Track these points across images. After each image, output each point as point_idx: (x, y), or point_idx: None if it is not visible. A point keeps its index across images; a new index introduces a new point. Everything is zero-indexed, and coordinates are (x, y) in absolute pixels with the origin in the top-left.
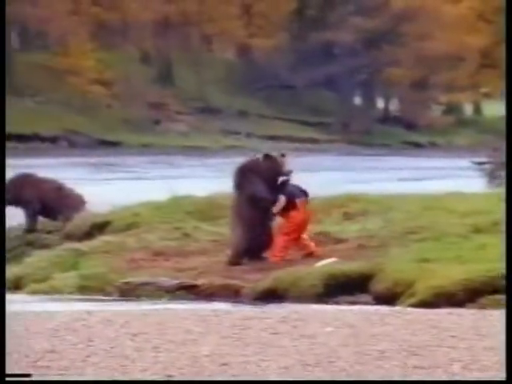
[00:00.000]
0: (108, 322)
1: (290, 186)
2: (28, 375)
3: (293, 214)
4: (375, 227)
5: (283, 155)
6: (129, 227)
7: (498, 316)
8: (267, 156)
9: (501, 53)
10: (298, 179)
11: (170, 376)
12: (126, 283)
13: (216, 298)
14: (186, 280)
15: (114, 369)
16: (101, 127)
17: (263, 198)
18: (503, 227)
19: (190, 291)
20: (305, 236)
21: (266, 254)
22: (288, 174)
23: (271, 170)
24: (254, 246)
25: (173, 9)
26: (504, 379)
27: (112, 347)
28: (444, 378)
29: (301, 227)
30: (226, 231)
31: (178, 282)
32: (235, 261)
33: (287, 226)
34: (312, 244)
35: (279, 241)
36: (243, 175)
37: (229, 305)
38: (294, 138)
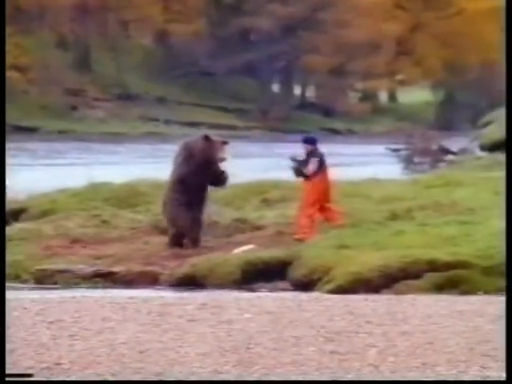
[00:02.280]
0: (24, 310)
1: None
2: (28, 375)
3: (316, 181)
4: (294, 214)
5: (225, 142)
6: (45, 214)
7: (413, 301)
8: (206, 138)
9: (416, 40)
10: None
11: (88, 364)
12: (42, 270)
13: (134, 285)
14: (104, 267)
15: (30, 357)
16: (17, 113)
17: (187, 176)
18: (416, 214)
19: (108, 278)
20: (331, 206)
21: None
22: (221, 160)
23: (206, 152)
24: (188, 227)
25: None
26: (504, 379)
27: (28, 335)
28: (359, 363)
29: (325, 195)
30: (145, 218)
31: (95, 269)
32: (172, 245)
33: (311, 195)
34: (340, 214)
35: (303, 215)
36: (180, 154)
37: (147, 292)
38: (213, 125)
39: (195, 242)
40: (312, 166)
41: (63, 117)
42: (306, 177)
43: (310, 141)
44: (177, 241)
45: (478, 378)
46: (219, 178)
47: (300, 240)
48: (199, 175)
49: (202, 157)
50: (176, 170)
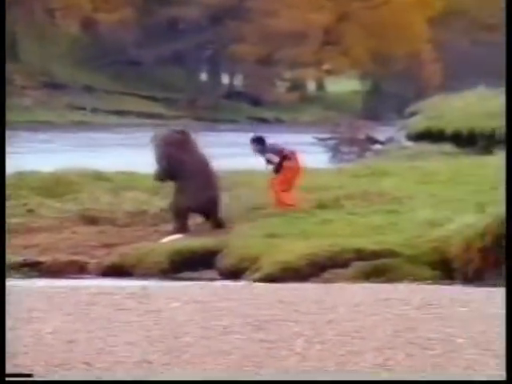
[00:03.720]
0: None
1: (269, 145)
2: (28, 375)
3: (287, 166)
4: (222, 203)
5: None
6: None
7: (340, 290)
8: (181, 132)
9: (343, 30)
10: (141, 154)
11: (15, 354)
12: None
13: (61, 275)
14: (31, 257)
15: None
16: None
17: (164, 170)
18: (343, 203)
19: (35, 268)
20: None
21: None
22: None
23: (179, 144)
24: (185, 208)
25: None
26: (504, 379)
27: None
28: (287, 353)
29: (294, 179)
30: (72, 207)
31: (21, 258)
32: (178, 227)
33: (282, 180)
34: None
35: (280, 192)
36: (157, 147)
37: (74, 281)
38: (141, 113)
39: (214, 221)
40: (274, 158)
41: None
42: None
43: (257, 140)
44: (181, 226)
45: (405, 366)
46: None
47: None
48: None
49: (178, 150)
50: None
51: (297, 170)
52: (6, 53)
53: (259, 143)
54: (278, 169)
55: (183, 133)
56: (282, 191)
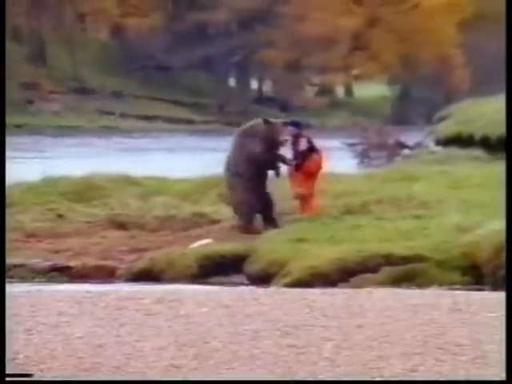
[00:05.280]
0: None
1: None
2: (28, 375)
3: (311, 161)
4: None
5: (284, 124)
6: None
7: (369, 295)
8: (266, 121)
9: (371, 35)
10: (172, 159)
11: (44, 359)
12: None
13: (91, 280)
14: (60, 261)
15: None
16: None
17: (264, 156)
18: (372, 208)
19: (64, 273)
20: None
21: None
22: (285, 142)
23: (271, 135)
24: (258, 205)
25: None
26: (504, 379)
27: None
28: (316, 357)
29: (315, 175)
30: (101, 212)
31: (50, 263)
32: (246, 224)
33: (303, 175)
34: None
35: (304, 190)
36: (245, 137)
37: (103, 286)
38: (169, 119)
39: (271, 221)
40: (303, 145)
41: (19, 110)
42: (291, 164)
43: (294, 124)
44: (249, 223)
45: (434, 371)
46: (284, 160)
47: (312, 214)
48: (272, 156)
49: (271, 139)
50: (249, 154)
51: (319, 167)
52: (34, 58)
53: (296, 126)
54: (303, 159)
55: (268, 123)
56: (303, 188)
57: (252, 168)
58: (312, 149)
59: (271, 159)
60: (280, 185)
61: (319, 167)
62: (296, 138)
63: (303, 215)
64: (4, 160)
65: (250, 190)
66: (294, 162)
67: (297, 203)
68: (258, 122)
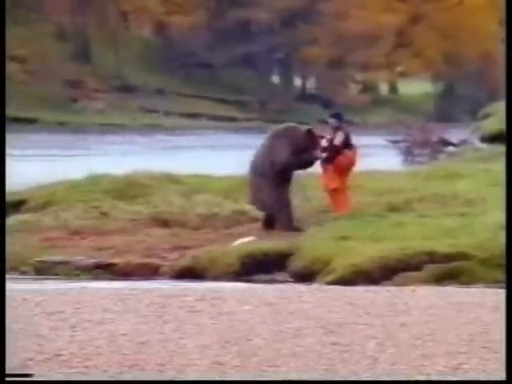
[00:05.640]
0: (23, 301)
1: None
2: (28, 375)
3: (344, 156)
4: (294, 205)
5: (322, 137)
6: (45, 206)
7: (413, 293)
8: (309, 131)
9: (415, 32)
10: (214, 157)
11: (88, 355)
12: (42, 262)
13: (134, 277)
14: (104, 259)
15: (29, 348)
16: (16, 104)
17: (288, 163)
18: (415, 205)
19: (108, 270)
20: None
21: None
22: (320, 155)
23: (306, 145)
24: (288, 204)
25: None
26: (504, 379)
27: (28, 326)
28: (359, 356)
29: (346, 172)
30: (144, 210)
31: (94, 260)
32: (288, 223)
33: (335, 170)
34: (349, 203)
35: (337, 190)
36: (275, 138)
37: (147, 283)
38: (212, 116)
39: (289, 224)
40: (339, 139)
41: (63, 108)
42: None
43: (336, 116)
44: (269, 224)
45: (479, 370)
46: (307, 160)
47: (342, 213)
48: (296, 161)
49: (304, 145)
50: (275, 156)
51: (352, 163)
52: (78, 56)
53: (338, 118)
54: (335, 155)
55: (309, 132)
56: (332, 182)
57: (278, 169)
58: (347, 144)
59: (295, 167)
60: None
61: (351, 164)
62: (334, 131)
63: (336, 213)
64: (4, 160)
65: (276, 189)
66: (323, 155)
67: (329, 200)
68: (291, 125)
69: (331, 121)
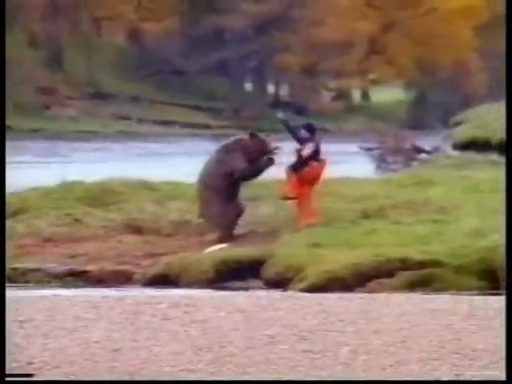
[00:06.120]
0: None
1: (315, 139)
2: (29, 375)
3: (313, 166)
4: (266, 212)
5: (267, 135)
6: (17, 213)
7: (386, 300)
8: (253, 135)
9: (388, 39)
10: (186, 164)
11: (60, 363)
12: (14, 269)
13: (107, 284)
14: (76, 266)
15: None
16: None
17: (247, 170)
18: (388, 212)
19: (80, 277)
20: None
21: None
22: (275, 150)
23: (258, 147)
24: (234, 217)
25: None
26: (504, 379)
27: None
28: (332, 362)
29: (311, 185)
30: (118, 217)
31: (67, 267)
32: (228, 236)
33: (299, 180)
34: (314, 213)
35: (305, 200)
36: (226, 152)
37: (120, 291)
38: (186, 124)
39: (229, 237)
40: (307, 151)
41: (35, 115)
42: (300, 140)
43: (308, 127)
44: (229, 235)
45: (450, 377)
46: (265, 164)
47: (310, 224)
48: (254, 168)
49: (257, 151)
50: (230, 168)
51: (317, 177)
52: (51, 63)
53: (310, 131)
54: (302, 165)
55: (255, 137)
56: (293, 191)
57: (230, 182)
58: (315, 156)
59: (254, 173)
60: None
61: (317, 176)
62: (305, 142)
63: (301, 223)
64: (4, 160)
65: (227, 202)
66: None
67: (294, 210)
68: (239, 137)
69: (303, 132)
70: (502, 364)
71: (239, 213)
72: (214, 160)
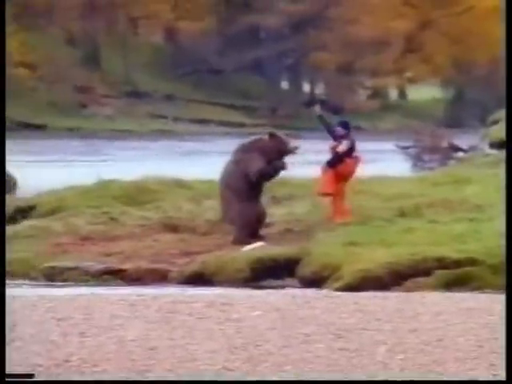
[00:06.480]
0: (33, 307)
1: (351, 135)
2: (29, 375)
3: (348, 163)
4: (302, 211)
5: (287, 134)
6: (54, 211)
7: (422, 299)
8: (272, 135)
9: (424, 37)
10: (222, 163)
11: (97, 361)
12: (52, 267)
13: (143, 283)
14: (113, 264)
15: (39, 354)
16: (25, 110)
17: (262, 171)
18: (425, 211)
19: (117, 276)
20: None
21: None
22: (294, 150)
23: (277, 148)
24: (254, 220)
25: None
26: (504, 379)
27: (37, 332)
28: (368, 361)
29: (345, 181)
30: (154, 215)
31: (104, 266)
32: (243, 237)
33: (334, 176)
34: (348, 211)
35: (338, 199)
36: (244, 151)
37: (156, 289)
38: (222, 122)
39: (245, 239)
40: (343, 147)
41: (72, 114)
42: (335, 136)
43: (344, 124)
44: (245, 237)
45: (490, 376)
46: (279, 166)
47: (346, 222)
48: (271, 169)
49: (276, 153)
50: (248, 168)
51: (351, 174)
52: (87, 62)
53: (345, 128)
54: (337, 162)
55: (274, 137)
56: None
57: (250, 183)
58: (350, 153)
59: (270, 173)
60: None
61: (350, 173)
62: (340, 139)
63: (334, 221)
64: (4, 160)
65: (246, 203)
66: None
67: (329, 208)
68: (258, 137)
69: (338, 129)
70: (503, 364)
71: (260, 214)
72: (233, 160)
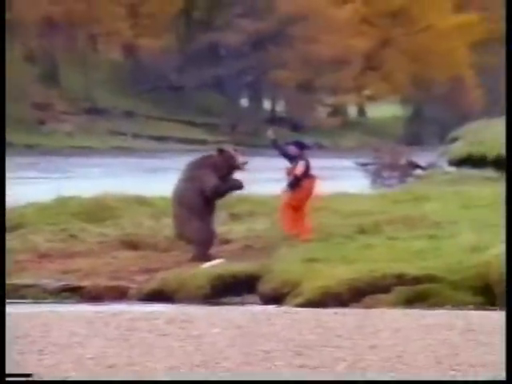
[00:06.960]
0: None
1: (305, 156)
2: (28, 375)
3: (305, 185)
4: (262, 228)
5: (235, 150)
6: (13, 228)
7: (382, 315)
8: (221, 150)
9: (384, 56)
10: (176, 178)
11: (55, 379)
12: (10, 285)
13: (102, 300)
14: (71, 282)
15: None
16: None
17: (218, 187)
18: (384, 228)
19: (76, 293)
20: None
21: None
22: (243, 165)
23: (227, 163)
24: (210, 235)
25: (59, 8)
26: (504, 379)
27: None
28: (328, 378)
29: (304, 202)
30: (113, 232)
31: (62, 283)
32: (203, 254)
33: (294, 199)
34: (309, 229)
35: (287, 215)
36: (196, 168)
37: (115, 306)
38: (181, 139)
39: (204, 256)
40: (300, 169)
41: (31, 131)
42: (291, 158)
43: (297, 144)
44: (205, 254)
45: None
46: (236, 185)
47: (306, 239)
48: (224, 185)
49: (226, 168)
50: (202, 184)
51: (310, 193)
52: (46, 78)
53: (299, 147)
54: (295, 183)
55: (223, 153)
56: (292, 211)
57: (206, 199)
58: (306, 174)
59: (225, 189)
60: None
61: (309, 194)
62: (295, 160)
63: (299, 239)
64: (4, 161)
65: (201, 220)
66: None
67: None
68: (208, 154)
69: (291, 148)
70: (503, 364)
71: (214, 232)
72: (185, 177)
